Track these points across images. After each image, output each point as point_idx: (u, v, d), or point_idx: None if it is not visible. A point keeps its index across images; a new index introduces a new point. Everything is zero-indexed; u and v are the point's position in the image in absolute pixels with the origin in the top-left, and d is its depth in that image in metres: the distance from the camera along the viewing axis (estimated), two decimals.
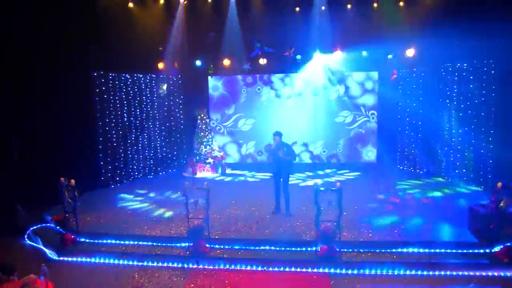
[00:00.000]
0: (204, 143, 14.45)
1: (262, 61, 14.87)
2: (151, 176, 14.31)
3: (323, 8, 14.23)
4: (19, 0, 9.92)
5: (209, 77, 15.87)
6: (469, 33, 10.73)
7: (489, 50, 10.81)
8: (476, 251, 7.45)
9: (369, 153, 15.85)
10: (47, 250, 7.93)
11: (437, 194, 11.55)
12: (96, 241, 8.38)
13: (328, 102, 15.76)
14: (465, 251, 7.47)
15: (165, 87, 14.53)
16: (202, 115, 14.66)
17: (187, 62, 15.09)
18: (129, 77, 13.41)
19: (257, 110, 16.03)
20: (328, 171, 14.89)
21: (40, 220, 9.02)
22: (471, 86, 11.64)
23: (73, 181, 8.25)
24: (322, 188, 7.48)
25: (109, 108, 12.72)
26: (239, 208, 10.25)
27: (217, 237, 8.29)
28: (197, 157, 14.42)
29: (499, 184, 7.42)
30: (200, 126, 14.54)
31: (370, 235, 8.29)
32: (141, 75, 13.85)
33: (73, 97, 11.30)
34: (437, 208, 10.13)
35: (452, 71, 12.37)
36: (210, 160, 14.34)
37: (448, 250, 7.46)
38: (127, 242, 8.24)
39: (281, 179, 9.54)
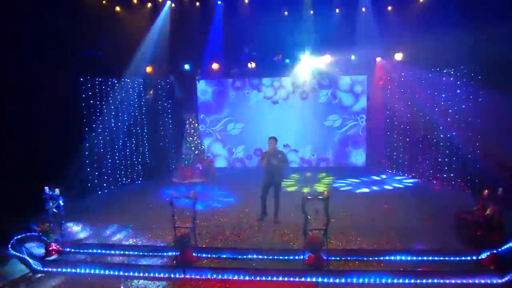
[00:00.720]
0: (193, 148, 14.35)
1: (251, 65, 14.86)
2: (139, 182, 14.18)
3: (311, 12, 14.27)
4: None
5: (198, 81, 15.80)
6: (457, 38, 10.86)
7: (476, 55, 10.88)
8: (463, 258, 7.46)
9: (358, 157, 15.89)
10: (31, 260, 7.79)
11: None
12: (81, 251, 8.27)
13: (317, 106, 15.79)
14: (452, 258, 7.47)
15: (151, 92, 14.40)
16: (191, 120, 14.56)
17: (176, 66, 15.02)
18: (116, 81, 13.27)
19: (246, 114, 16.01)
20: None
21: (25, 228, 8.87)
22: (458, 91, 11.70)
23: (58, 190, 8.13)
24: (309, 197, 7.43)
25: (96, 113, 12.58)
26: (227, 215, 10.17)
27: (204, 246, 8.20)
28: (186, 162, 14.30)
29: (486, 192, 7.44)
30: (188, 131, 14.43)
31: (358, 242, 8.27)
32: (128, 80, 13.71)
33: (59, 102, 11.15)
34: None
35: (440, 75, 12.41)
36: (198, 165, 14.24)
37: (436, 258, 7.46)
38: (112, 252, 8.13)
39: (274, 186, 9.46)
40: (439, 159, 12.64)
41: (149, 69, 14.41)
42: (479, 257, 7.36)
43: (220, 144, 16.31)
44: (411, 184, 13.15)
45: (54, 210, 8.23)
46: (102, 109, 12.79)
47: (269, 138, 9.44)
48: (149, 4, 14.06)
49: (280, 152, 9.47)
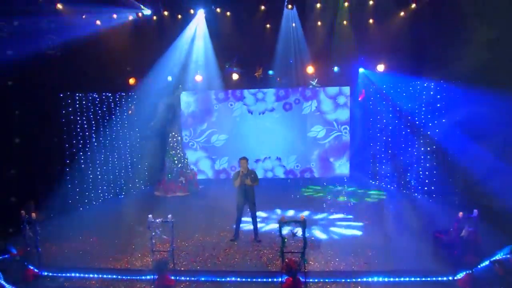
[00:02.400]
0: (176, 161, 14.26)
1: (235, 77, 14.91)
2: (122, 196, 14.06)
3: (293, 25, 14.35)
4: None
5: (181, 93, 15.75)
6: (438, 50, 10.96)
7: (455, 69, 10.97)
8: (439, 278, 7.53)
9: (342, 167, 15.97)
10: (7, 285, 7.69)
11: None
12: (59, 275, 8.18)
13: (301, 117, 15.85)
14: (429, 278, 7.53)
15: (133, 107, 14.32)
16: (173, 133, 14.48)
17: (158, 78, 14.96)
18: (97, 96, 13.17)
19: (230, 125, 16.00)
20: None
21: (3, 251, 8.74)
22: (438, 105, 11.80)
23: (34, 214, 8.04)
24: (286, 221, 7.45)
25: (77, 129, 12.46)
26: (208, 233, 10.03)
27: (182, 268, 8.16)
28: (169, 175, 14.21)
29: (461, 214, 7.51)
30: (171, 145, 14.36)
31: (336, 263, 8.26)
32: (109, 94, 13.62)
33: (39, 118, 11.05)
34: None
35: (421, 88, 12.51)
36: (182, 178, 14.14)
37: (412, 278, 7.52)
38: (91, 276, 8.05)
39: (248, 205, 9.43)
40: (421, 172, 12.74)
41: (131, 81, 14.35)
42: (455, 278, 7.44)
43: (204, 155, 16.26)
44: (392, 197, 13.20)
45: (30, 234, 8.14)
46: (83, 124, 12.67)
47: (241, 158, 9.38)
48: (130, 17, 13.97)
49: (252, 172, 9.46)
